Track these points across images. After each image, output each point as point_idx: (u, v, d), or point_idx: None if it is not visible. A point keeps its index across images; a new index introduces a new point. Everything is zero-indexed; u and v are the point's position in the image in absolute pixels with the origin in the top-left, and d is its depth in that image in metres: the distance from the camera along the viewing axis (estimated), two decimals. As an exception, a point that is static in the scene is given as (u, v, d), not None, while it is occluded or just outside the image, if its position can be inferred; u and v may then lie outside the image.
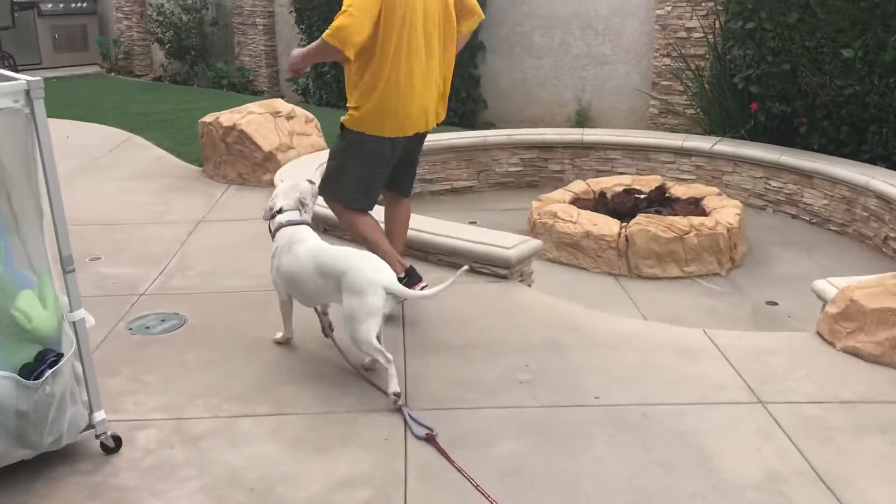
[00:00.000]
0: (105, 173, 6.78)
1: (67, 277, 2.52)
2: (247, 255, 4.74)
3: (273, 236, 3.49)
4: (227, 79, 11.60)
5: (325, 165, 5.92)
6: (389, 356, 3.07)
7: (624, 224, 5.35)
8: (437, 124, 3.89)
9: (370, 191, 3.79)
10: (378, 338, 3.08)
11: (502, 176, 7.35)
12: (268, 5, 11.34)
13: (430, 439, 2.85)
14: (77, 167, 6.95)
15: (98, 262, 4.67)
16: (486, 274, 4.34)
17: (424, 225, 4.63)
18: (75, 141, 8.03)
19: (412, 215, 4.66)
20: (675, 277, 5.23)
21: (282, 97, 11.40)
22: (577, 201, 5.97)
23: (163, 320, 3.85)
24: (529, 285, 4.45)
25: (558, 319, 3.82)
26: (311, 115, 6.87)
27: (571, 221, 5.47)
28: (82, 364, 2.62)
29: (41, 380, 2.41)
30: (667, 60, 7.90)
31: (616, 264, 5.30)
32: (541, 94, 9.06)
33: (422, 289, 3.68)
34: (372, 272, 3.12)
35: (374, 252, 3.64)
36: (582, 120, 8.61)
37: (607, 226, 5.35)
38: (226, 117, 6.40)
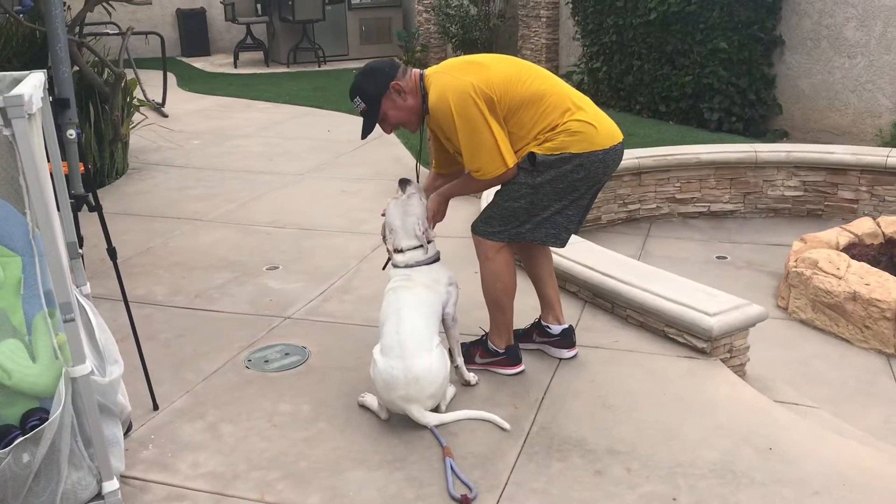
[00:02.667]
0: (339, 171, 6.67)
1: (67, 328, 2.13)
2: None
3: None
4: (504, 73, 11.20)
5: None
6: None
7: (910, 287, 3.96)
8: None
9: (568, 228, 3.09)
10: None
11: (775, 201, 6.03)
12: (553, -4, 10.73)
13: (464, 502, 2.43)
14: (318, 163, 6.94)
15: (273, 272, 4.43)
16: (681, 344, 3.36)
17: (615, 268, 3.73)
18: (334, 135, 8.11)
19: (607, 250, 3.95)
20: (980, 371, 3.75)
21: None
22: (854, 247, 4.60)
23: (286, 354, 3.45)
24: (742, 364, 3.38)
25: (751, 429, 2.77)
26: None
27: (835, 276, 4.18)
28: (88, 426, 2.23)
29: (9, 448, 2.05)
30: None
31: (891, 341, 3.93)
32: (849, 100, 7.40)
33: (573, 356, 3.31)
34: (401, 389, 2.75)
35: (500, 318, 3.13)
36: (900, 135, 6.86)
37: (885, 287, 3.99)
38: (450, 120, 5.91)
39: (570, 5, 9.55)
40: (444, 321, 2.99)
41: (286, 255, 4.68)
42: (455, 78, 2.83)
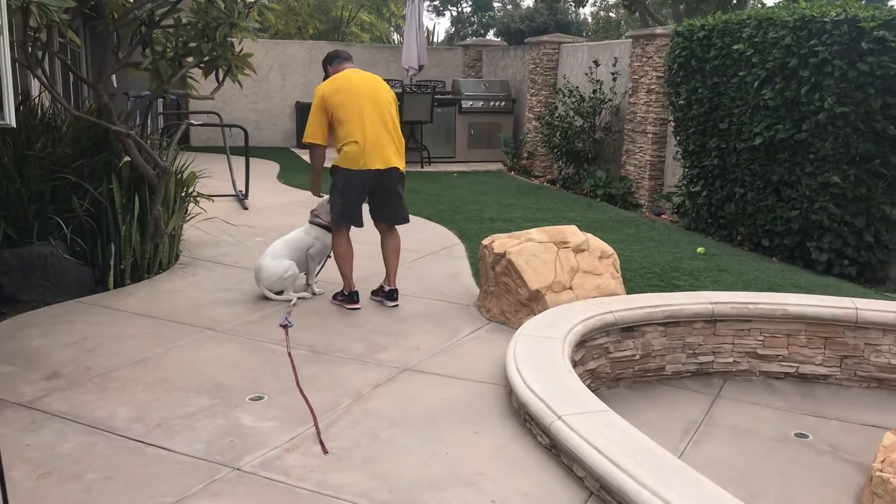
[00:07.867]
0: (386, 284, 6.18)
1: None
2: (412, 437, 3.59)
3: None
4: (602, 188, 10.57)
5: (607, 315, 4.66)
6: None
7: None
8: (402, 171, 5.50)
9: (349, 214, 5.46)
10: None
11: (880, 369, 5.04)
12: (661, 112, 10.09)
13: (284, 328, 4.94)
14: (368, 273, 6.47)
15: (255, 403, 3.93)
16: (691, 577, 2.56)
17: (630, 458, 2.98)
18: (405, 244, 7.67)
19: (630, 427, 3.19)
20: None
21: (660, 214, 10.03)
22: (965, 452, 3.61)
23: (208, 521, 2.89)
24: None
25: None
26: (609, 250, 5.46)
27: (932, 492, 3.24)
28: None
29: None
30: None
31: None
32: None
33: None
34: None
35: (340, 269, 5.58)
36: None
37: None
38: (500, 242, 5.35)
39: (673, 124, 8.91)
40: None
41: (279, 383, 4.18)
42: (325, 82, 5.43)
